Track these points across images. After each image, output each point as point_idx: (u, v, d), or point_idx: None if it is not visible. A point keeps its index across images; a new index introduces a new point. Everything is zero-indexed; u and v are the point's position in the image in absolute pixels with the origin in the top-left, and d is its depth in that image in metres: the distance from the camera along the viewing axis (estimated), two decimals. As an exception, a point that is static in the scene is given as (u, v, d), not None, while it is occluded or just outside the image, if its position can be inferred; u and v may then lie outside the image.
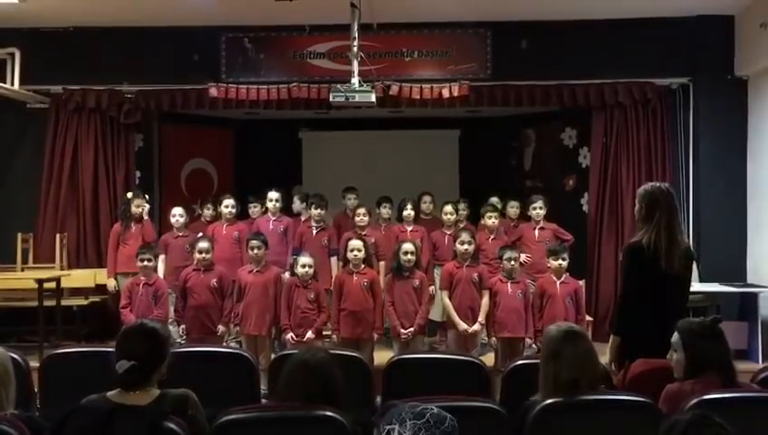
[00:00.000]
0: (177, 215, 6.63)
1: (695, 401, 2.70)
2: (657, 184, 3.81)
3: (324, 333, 5.78)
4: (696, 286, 6.31)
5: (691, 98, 7.20)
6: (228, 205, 6.65)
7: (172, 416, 2.52)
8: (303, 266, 5.56)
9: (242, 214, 7.01)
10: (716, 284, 6.61)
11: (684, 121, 7.26)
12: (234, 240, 6.53)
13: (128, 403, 2.55)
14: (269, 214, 6.72)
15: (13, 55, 7.02)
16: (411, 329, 5.52)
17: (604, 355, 3.54)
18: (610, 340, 3.74)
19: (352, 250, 5.58)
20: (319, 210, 6.52)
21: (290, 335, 5.49)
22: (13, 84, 7.02)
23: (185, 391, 2.68)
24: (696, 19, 7.04)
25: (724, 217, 7.01)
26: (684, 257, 3.62)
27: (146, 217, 6.77)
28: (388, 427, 1.78)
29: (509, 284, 5.60)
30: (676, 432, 1.93)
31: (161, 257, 6.40)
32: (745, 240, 7.03)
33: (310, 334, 5.45)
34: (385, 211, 6.81)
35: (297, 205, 7.18)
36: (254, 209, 6.95)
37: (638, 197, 3.77)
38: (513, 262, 5.64)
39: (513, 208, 7.12)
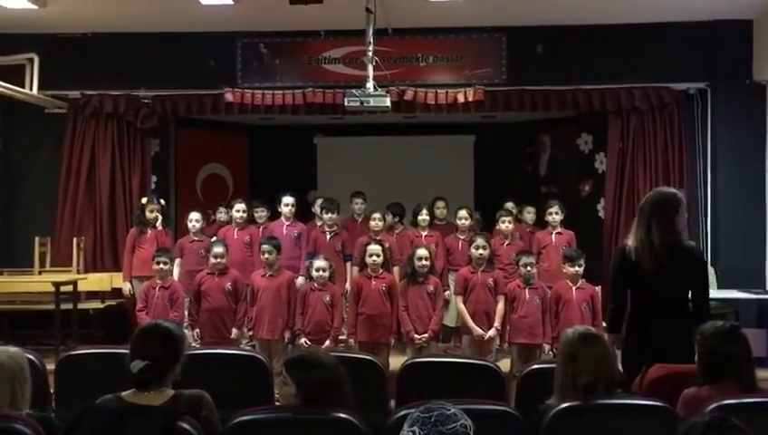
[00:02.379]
0: (194, 220, 6.65)
1: (712, 406, 2.66)
2: (663, 189, 3.87)
3: (340, 337, 5.77)
4: (714, 293, 6.23)
5: (709, 103, 7.15)
6: (239, 209, 6.69)
7: (186, 416, 2.52)
8: (318, 270, 5.56)
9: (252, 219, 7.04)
10: (735, 290, 6.53)
11: (702, 127, 7.20)
12: (245, 244, 6.55)
13: (142, 403, 2.55)
14: (282, 218, 6.74)
15: (31, 61, 7.11)
16: (425, 335, 5.50)
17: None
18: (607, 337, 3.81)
19: (371, 255, 5.57)
20: (329, 214, 6.54)
21: (303, 340, 5.49)
22: (31, 89, 7.10)
23: (199, 391, 2.67)
24: (713, 24, 6.99)
25: (743, 223, 6.94)
26: (672, 256, 3.55)
27: (159, 227, 6.78)
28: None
29: (527, 289, 5.57)
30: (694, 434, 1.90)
31: (177, 261, 6.43)
32: (764, 246, 6.95)
33: (328, 343, 5.44)
34: (389, 219, 6.78)
35: (318, 209, 7.18)
36: (261, 214, 6.92)
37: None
38: (530, 267, 5.61)
39: (529, 214, 7.08)
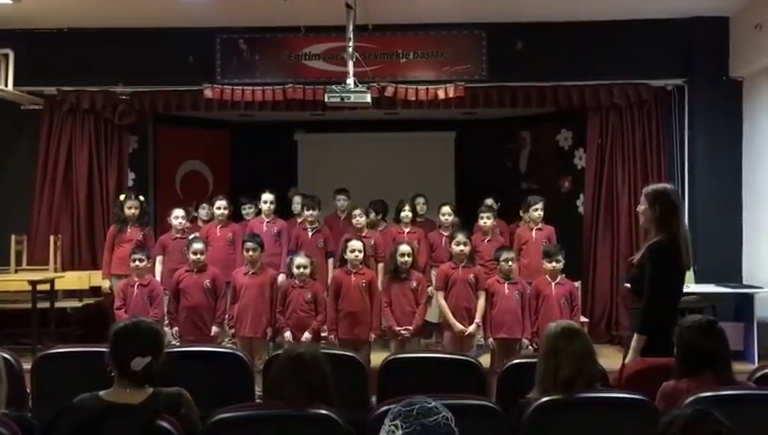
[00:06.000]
0: (180, 217, 6.58)
1: (690, 398, 2.68)
2: (666, 185, 3.90)
3: (322, 334, 5.75)
4: (692, 287, 6.31)
5: (686, 99, 7.22)
6: (220, 206, 6.64)
7: (165, 415, 2.50)
8: (299, 267, 5.55)
9: (237, 216, 6.99)
10: (712, 285, 6.62)
11: (679, 123, 7.27)
12: (228, 242, 6.52)
13: (120, 402, 2.52)
14: (263, 216, 6.71)
15: (7, 56, 7.01)
16: (410, 327, 5.49)
17: (602, 357, 3.52)
18: (635, 339, 3.73)
19: (353, 251, 5.57)
20: (310, 211, 6.53)
21: (287, 334, 5.47)
22: (6, 85, 7.00)
23: (178, 389, 2.65)
24: (691, 20, 7.05)
25: (720, 218, 7.01)
26: (689, 252, 3.75)
27: (139, 224, 6.71)
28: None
29: (506, 284, 5.59)
30: (675, 428, 1.91)
31: (159, 259, 6.38)
32: (741, 241, 7.04)
33: (307, 335, 5.42)
34: (371, 215, 6.78)
35: (297, 207, 7.15)
36: (248, 211, 6.92)
37: (650, 197, 3.80)
38: (511, 262, 5.63)
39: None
